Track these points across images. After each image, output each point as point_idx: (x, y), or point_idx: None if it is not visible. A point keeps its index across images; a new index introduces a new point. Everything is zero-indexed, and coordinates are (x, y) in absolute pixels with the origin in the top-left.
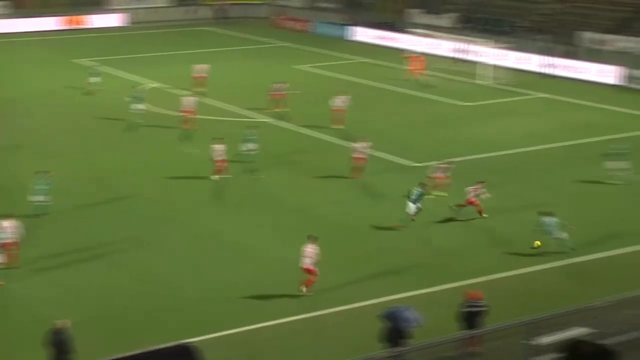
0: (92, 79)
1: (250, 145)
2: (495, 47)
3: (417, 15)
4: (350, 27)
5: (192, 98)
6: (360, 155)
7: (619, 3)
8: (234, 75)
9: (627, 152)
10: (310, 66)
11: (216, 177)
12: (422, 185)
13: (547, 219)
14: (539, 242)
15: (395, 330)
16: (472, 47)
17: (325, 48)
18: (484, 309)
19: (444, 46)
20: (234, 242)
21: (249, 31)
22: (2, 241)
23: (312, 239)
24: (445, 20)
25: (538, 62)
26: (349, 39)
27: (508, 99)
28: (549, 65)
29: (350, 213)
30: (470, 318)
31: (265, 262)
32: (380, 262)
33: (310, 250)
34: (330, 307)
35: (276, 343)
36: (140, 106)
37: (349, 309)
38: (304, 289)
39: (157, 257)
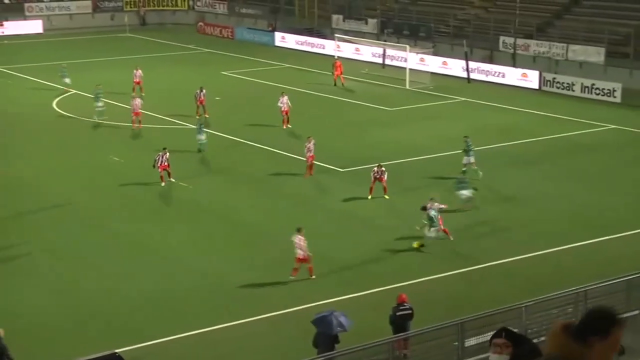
0: (66, 80)
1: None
2: (415, 52)
3: (339, 21)
4: (273, 34)
5: (138, 100)
6: (312, 154)
7: (537, 9)
8: (159, 81)
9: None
10: (236, 72)
11: (164, 183)
12: (431, 201)
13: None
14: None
15: (325, 335)
16: (392, 52)
17: (250, 54)
18: (410, 312)
19: (365, 51)
20: (157, 250)
21: (171, 38)
22: None
23: (299, 229)
24: (367, 26)
25: (458, 67)
26: (273, 44)
27: (429, 104)
28: (469, 70)
29: (274, 217)
30: (400, 321)
31: (187, 270)
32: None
33: (300, 241)
34: (255, 315)
35: (202, 352)
36: (100, 104)
37: (275, 315)
38: (311, 276)
39: (78, 266)
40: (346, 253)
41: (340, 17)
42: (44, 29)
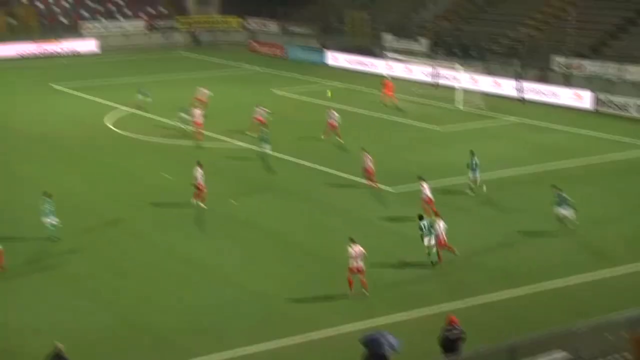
0: (141, 97)
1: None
2: (467, 72)
3: (390, 40)
4: (324, 52)
5: (199, 111)
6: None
7: (591, 28)
8: (213, 99)
9: None
10: (286, 90)
11: (195, 201)
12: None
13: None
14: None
15: (375, 356)
16: (444, 72)
17: (301, 73)
18: (462, 335)
19: (416, 71)
20: (203, 266)
21: (223, 56)
22: None
23: (352, 240)
24: (418, 44)
25: (510, 86)
26: (324, 63)
27: (481, 124)
28: (521, 90)
29: (326, 238)
30: (449, 344)
31: (235, 287)
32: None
33: (356, 251)
34: (302, 333)
35: None
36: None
37: (322, 334)
38: (365, 291)
39: (130, 281)
40: (394, 273)
41: (392, 35)
42: (99, 48)
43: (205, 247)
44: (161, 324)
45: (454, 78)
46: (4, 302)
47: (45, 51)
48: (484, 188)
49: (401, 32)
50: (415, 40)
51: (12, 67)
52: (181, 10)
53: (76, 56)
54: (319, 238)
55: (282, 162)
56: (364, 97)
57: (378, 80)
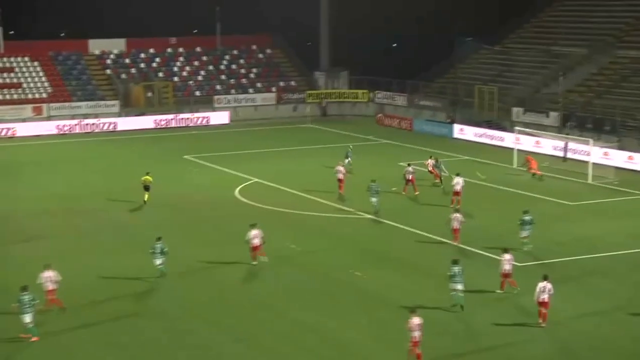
0: (347, 160)
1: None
2: (599, 146)
3: (519, 113)
4: (452, 125)
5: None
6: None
7: None
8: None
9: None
10: (416, 163)
11: (254, 262)
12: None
13: None
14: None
15: None
16: (575, 146)
17: (428, 146)
18: None
19: (546, 144)
20: (334, 339)
21: (351, 129)
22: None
23: (413, 311)
24: (548, 119)
25: None
26: (451, 136)
27: (614, 199)
28: None
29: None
30: None
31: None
32: None
33: (414, 323)
34: None
35: None
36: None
37: None
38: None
39: (253, 351)
40: (531, 352)
41: (521, 109)
42: (231, 120)
43: (332, 318)
44: None
45: (585, 152)
46: None
47: (180, 123)
48: (529, 246)
49: (531, 105)
50: (546, 114)
51: (149, 137)
52: (311, 84)
53: (208, 127)
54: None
55: (402, 232)
56: (494, 171)
57: (506, 154)
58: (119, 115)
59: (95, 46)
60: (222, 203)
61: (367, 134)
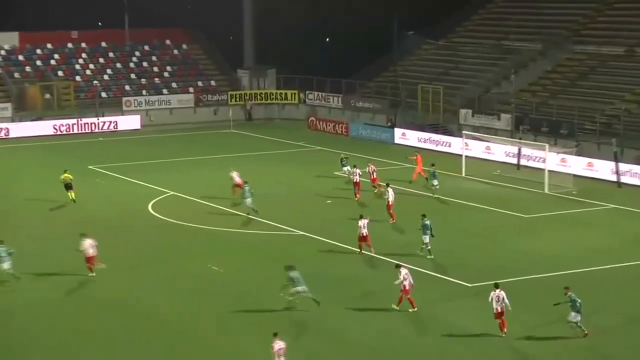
0: (345, 169)
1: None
2: (556, 152)
3: (468, 116)
4: (393, 130)
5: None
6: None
7: None
8: (263, 183)
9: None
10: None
11: (91, 273)
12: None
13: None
14: None
15: None
16: (529, 152)
17: (366, 153)
18: None
19: (497, 150)
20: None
21: (279, 134)
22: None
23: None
24: (499, 122)
25: (606, 169)
26: (392, 142)
27: (572, 210)
28: (619, 172)
29: (388, 337)
30: None
31: None
32: None
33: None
34: None
35: None
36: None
37: None
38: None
39: None
40: None
41: (469, 111)
42: (142, 125)
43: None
44: None
45: (541, 159)
46: None
47: (84, 128)
48: (428, 253)
49: (480, 107)
50: (497, 116)
51: (48, 145)
52: (234, 84)
53: (117, 134)
54: (386, 341)
55: (344, 251)
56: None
57: (455, 160)
58: (12, 120)
59: None
60: (133, 219)
61: (298, 139)
